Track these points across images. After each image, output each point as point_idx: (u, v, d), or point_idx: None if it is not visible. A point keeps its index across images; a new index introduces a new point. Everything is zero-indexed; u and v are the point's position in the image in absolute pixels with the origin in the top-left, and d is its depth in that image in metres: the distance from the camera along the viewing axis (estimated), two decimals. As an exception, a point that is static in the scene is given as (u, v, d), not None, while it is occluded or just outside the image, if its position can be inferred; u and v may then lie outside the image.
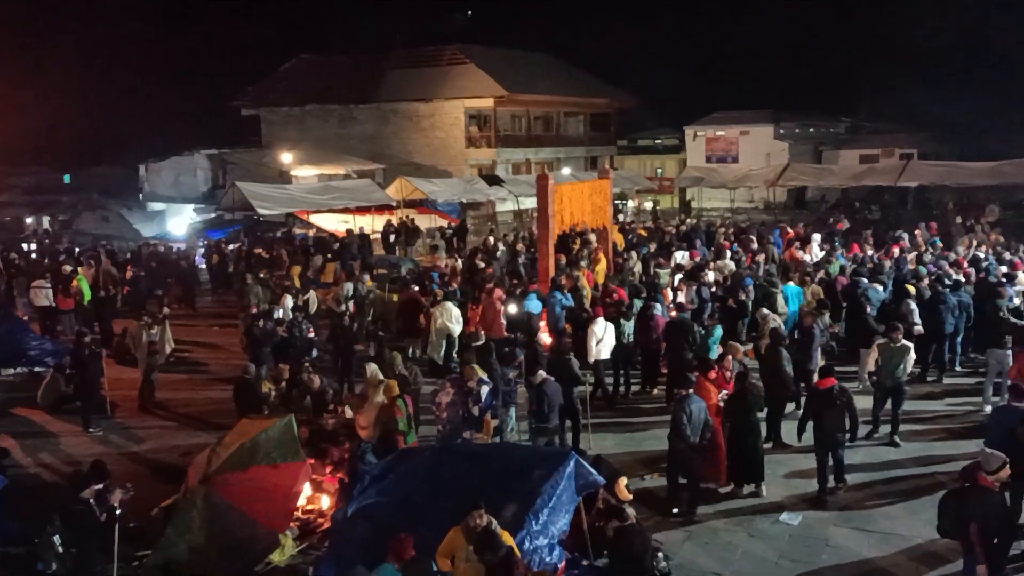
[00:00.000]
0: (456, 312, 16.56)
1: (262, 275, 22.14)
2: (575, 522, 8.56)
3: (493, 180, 40.45)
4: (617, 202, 40.20)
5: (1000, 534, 7.96)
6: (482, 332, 14.55)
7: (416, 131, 49.10)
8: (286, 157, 42.20)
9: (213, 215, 37.25)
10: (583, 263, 21.17)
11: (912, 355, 12.89)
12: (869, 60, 75.04)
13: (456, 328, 16.29)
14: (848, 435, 11.34)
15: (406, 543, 7.33)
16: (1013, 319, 14.77)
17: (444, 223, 35.76)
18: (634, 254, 23.65)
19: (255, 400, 12.61)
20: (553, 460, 8.52)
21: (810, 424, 11.20)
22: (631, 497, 9.25)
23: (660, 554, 8.98)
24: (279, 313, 17.19)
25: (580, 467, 8.49)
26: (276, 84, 52.54)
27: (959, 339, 16.19)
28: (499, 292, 17.29)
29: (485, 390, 11.70)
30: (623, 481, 9.23)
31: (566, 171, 44.10)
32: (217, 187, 42.77)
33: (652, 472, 11.82)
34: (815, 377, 12.18)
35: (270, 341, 15.60)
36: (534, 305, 16.76)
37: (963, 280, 17.67)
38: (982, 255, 21.80)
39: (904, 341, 12.85)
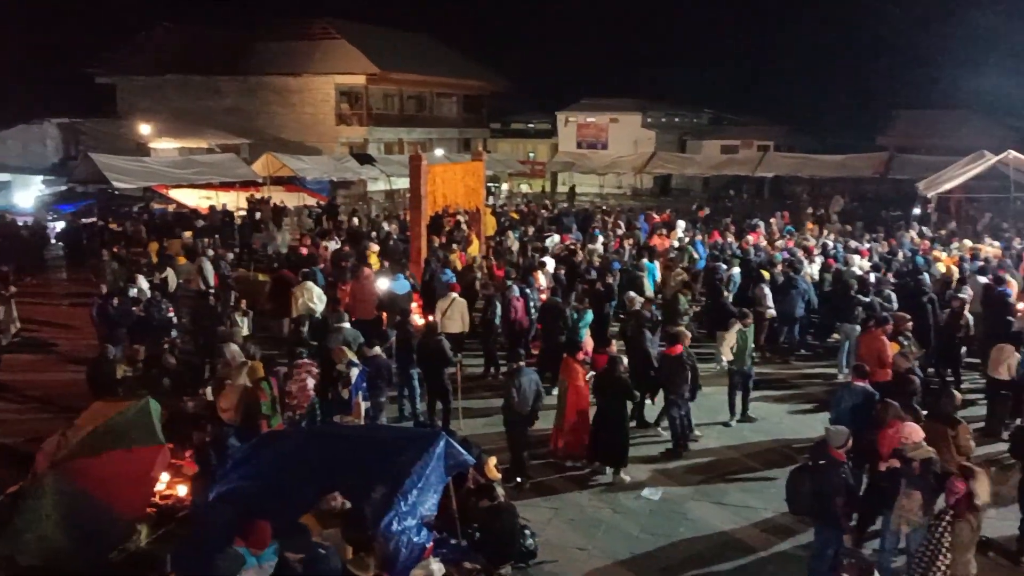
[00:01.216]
0: (318, 291, 16.24)
1: (117, 251, 21.08)
2: (444, 502, 8.59)
3: (364, 159, 39.85)
4: (490, 185, 40.39)
5: (854, 505, 8.51)
6: (346, 313, 14.38)
7: (284, 106, 47.70)
8: (144, 128, 40.17)
9: (64, 188, 35.10)
10: (455, 245, 21.19)
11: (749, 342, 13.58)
12: (731, 54, 78.11)
13: (319, 307, 15.98)
14: (691, 395, 12.26)
15: (261, 530, 7.20)
16: (860, 297, 15.77)
17: (313, 202, 34.97)
18: (511, 235, 23.88)
19: (110, 382, 12.03)
20: (423, 441, 8.50)
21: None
22: (500, 476, 9.37)
23: (527, 531, 9.14)
24: (135, 291, 16.42)
25: (450, 447, 8.50)
26: (134, 52, 49.87)
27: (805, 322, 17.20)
28: (369, 272, 17.09)
29: (355, 372, 11.56)
30: (492, 461, 9.33)
31: (439, 152, 43.92)
32: (69, 158, 40.30)
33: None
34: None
35: (126, 321, 14.89)
36: (402, 286, 16.62)
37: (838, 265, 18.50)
38: (831, 243, 23.10)
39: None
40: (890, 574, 8.56)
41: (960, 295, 15.19)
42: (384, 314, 15.87)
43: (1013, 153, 29.33)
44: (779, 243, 22.65)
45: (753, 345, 13.56)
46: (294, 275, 17.53)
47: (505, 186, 52.59)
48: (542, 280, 17.61)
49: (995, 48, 61.73)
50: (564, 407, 11.80)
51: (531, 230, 26.51)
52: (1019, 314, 14.69)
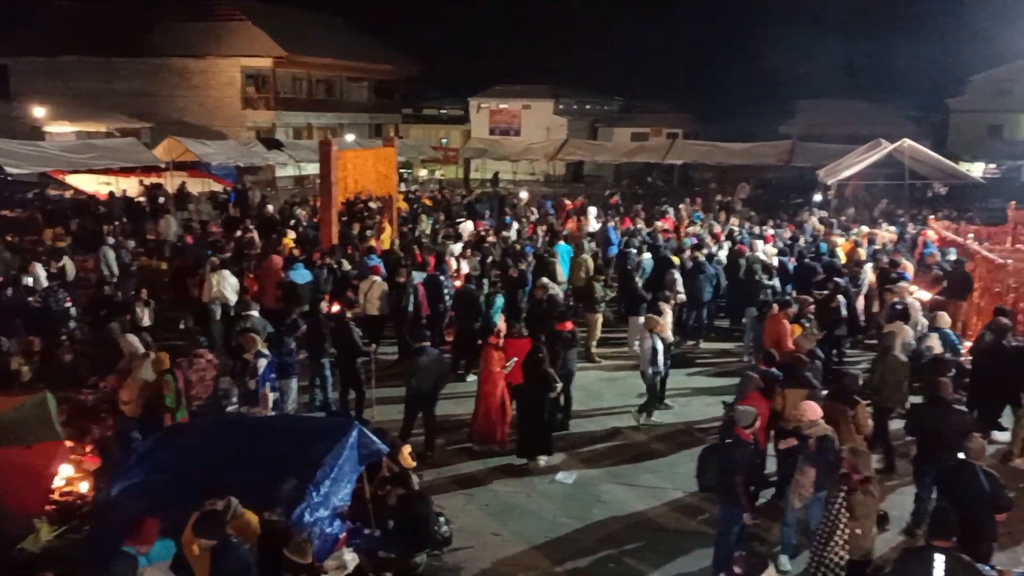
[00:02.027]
0: (234, 280, 15.85)
1: (9, 239, 20.12)
2: (358, 492, 8.49)
3: (272, 144, 39.01)
4: (402, 171, 40.04)
5: (757, 483, 8.76)
6: (254, 302, 14.07)
7: (188, 89, 46.26)
8: (39, 111, 38.37)
9: (-50, 172, 33.25)
10: (368, 232, 20.94)
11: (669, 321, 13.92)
12: (641, 42, 79.19)
13: (232, 297, 15.60)
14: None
15: (145, 527, 7.01)
16: (766, 281, 16.23)
17: (219, 187, 34.05)
18: (424, 218, 23.75)
19: (4, 375, 11.48)
20: (335, 431, 8.37)
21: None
22: (415, 464, 9.31)
23: (441, 519, 9.11)
24: (30, 281, 15.70)
25: (363, 436, 8.40)
26: (28, 30, 47.54)
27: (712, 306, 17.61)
28: (277, 260, 16.74)
29: (263, 363, 11.29)
30: (407, 449, 9.25)
31: (350, 138, 43.29)
32: (-45, 142, 38.19)
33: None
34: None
35: (21, 311, 14.22)
36: (301, 275, 16.28)
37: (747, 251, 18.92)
38: (736, 229, 23.70)
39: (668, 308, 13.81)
40: (792, 549, 8.85)
41: (837, 280, 15.64)
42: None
43: (908, 142, 30.62)
44: (691, 229, 23.12)
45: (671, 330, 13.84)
46: (196, 263, 17.03)
47: (423, 172, 52.27)
48: (458, 266, 17.56)
49: (891, 40, 64.29)
50: (479, 394, 11.82)
51: (442, 216, 26.43)
52: (910, 295, 15.36)
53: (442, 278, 16.14)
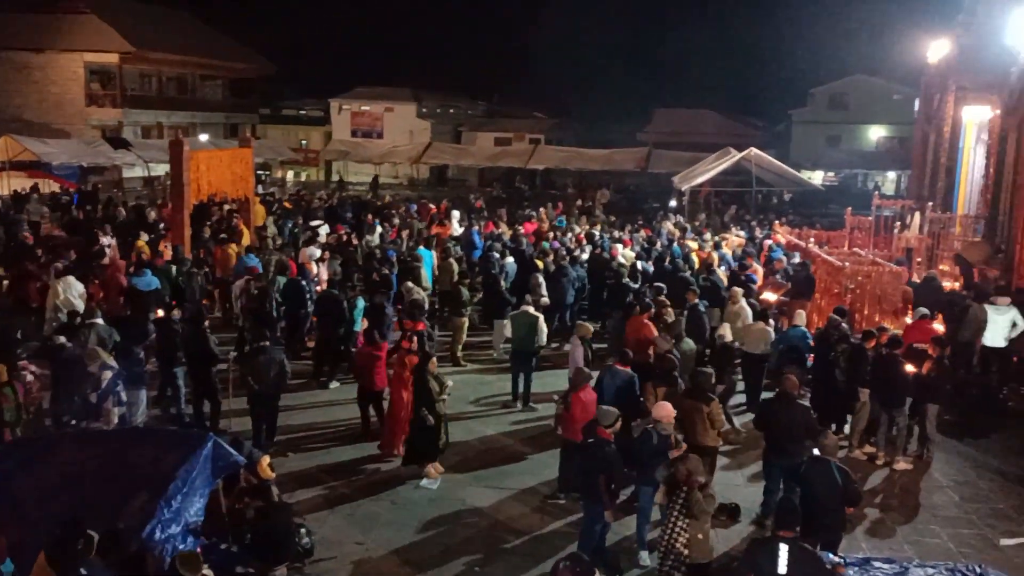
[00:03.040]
0: (80, 287, 14.93)
1: None
2: (213, 506, 8.14)
3: (119, 143, 37.09)
4: (260, 172, 38.88)
5: (618, 481, 8.94)
6: (98, 310, 13.28)
7: (26, 84, 43.32)
8: None
9: None
10: (222, 236, 20.17)
11: (543, 324, 14.00)
12: (504, 47, 79.98)
13: (79, 304, 14.67)
14: None
15: None
16: (632, 284, 16.67)
17: (61, 188, 32.08)
18: (269, 222, 23.16)
19: None
20: (189, 443, 7.99)
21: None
22: (274, 475, 9.00)
23: (303, 530, 8.86)
24: None
25: (218, 449, 8.06)
26: None
27: (575, 308, 17.92)
28: (122, 265, 15.91)
29: (108, 375, 10.62)
30: (265, 460, 8.94)
31: (204, 138, 41.67)
32: None
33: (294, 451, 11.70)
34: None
35: None
36: (147, 282, 15.52)
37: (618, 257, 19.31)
38: (596, 233, 24.25)
39: (533, 311, 13.92)
40: (645, 544, 9.12)
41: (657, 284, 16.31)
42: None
43: (754, 151, 32.22)
44: (569, 235, 23.47)
45: (537, 332, 13.92)
46: (39, 268, 15.96)
47: (290, 174, 50.98)
48: (318, 270, 17.17)
49: (739, 53, 67.48)
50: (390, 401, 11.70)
51: (300, 220, 25.82)
52: (760, 297, 16.14)
53: (303, 282, 15.74)
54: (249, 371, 11.42)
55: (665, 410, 9.19)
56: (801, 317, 13.78)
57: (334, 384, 14.19)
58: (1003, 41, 18.49)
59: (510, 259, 18.85)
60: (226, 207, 23.84)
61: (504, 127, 58.17)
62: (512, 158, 44.42)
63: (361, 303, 14.83)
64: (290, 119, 62.91)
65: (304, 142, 58.06)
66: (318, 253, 18.40)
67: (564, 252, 19.09)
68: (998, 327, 13.68)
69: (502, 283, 17.13)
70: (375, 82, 59.09)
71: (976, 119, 23.14)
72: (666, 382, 10.56)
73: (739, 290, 15.38)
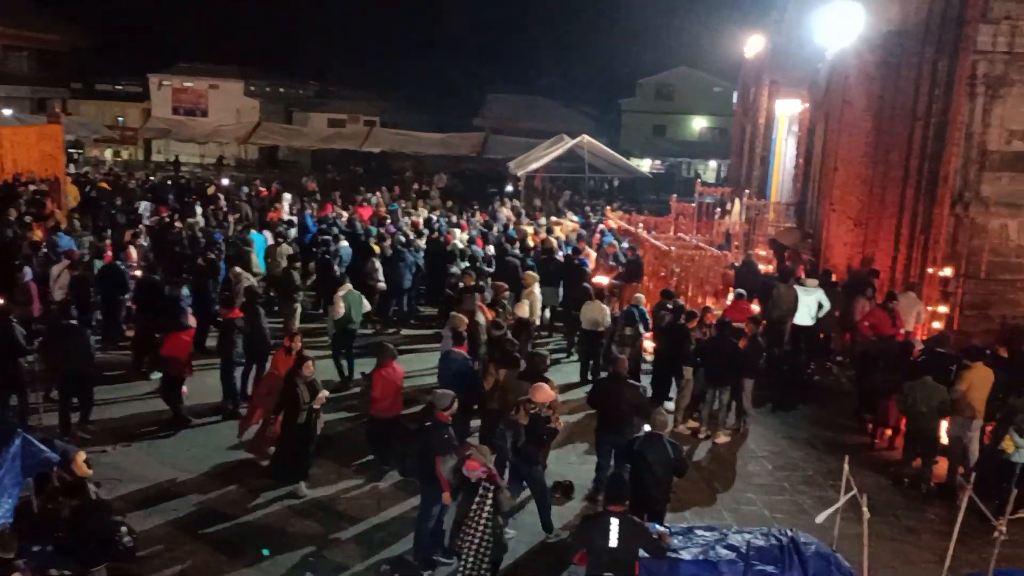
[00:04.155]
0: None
1: None
2: (24, 506, 7.57)
3: (-93, 116, 33.57)
4: (72, 151, 36.29)
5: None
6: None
7: None
8: None
9: None
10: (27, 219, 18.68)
11: (365, 302, 14.02)
12: (337, 27, 78.15)
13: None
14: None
15: None
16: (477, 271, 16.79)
17: None
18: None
19: None
20: (-7, 441, 7.39)
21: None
22: (91, 472, 8.44)
23: (123, 529, 8.35)
24: None
25: (29, 446, 7.50)
26: None
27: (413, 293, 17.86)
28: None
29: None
30: (81, 456, 8.37)
31: (7, 112, 38.34)
32: None
33: (113, 444, 11.04)
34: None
35: None
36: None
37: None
38: (434, 217, 24.21)
39: (353, 289, 13.87)
40: (550, 527, 9.35)
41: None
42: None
43: (587, 138, 33.08)
44: (405, 219, 23.25)
45: (363, 311, 13.96)
46: None
47: (108, 153, 47.73)
48: (134, 255, 16.20)
49: (573, 41, 69.01)
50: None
51: (119, 200, 24.34)
52: (593, 280, 16.62)
53: (122, 266, 14.84)
54: (54, 352, 10.86)
55: (544, 393, 9.33)
56: (641, 298, 14.36)
57: (156, 374, 13.47)
58: (812, 39, 19.82)
59: (344, 243, 18.52)
60: (32, 187, 22.09)
61: (338, 108, 56.92)
62: (347, 140, 43.51)
63: (186, 292, 14.14)
64: (105, 94, 58.87)
65: (121, 119, 54.59)
66: (140, 237, 17.39)
67: (401, 237, 18.95)
68: (806, 307, 14.71)
69: (336, 268, 16.79)
70: (199, 58, 56.34)
71: (788, 112, 24.71)
72: (507, 364, 10.67)
73: (534, 275, 15.65)
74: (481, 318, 12.72)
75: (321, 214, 23.92)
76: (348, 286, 13.96)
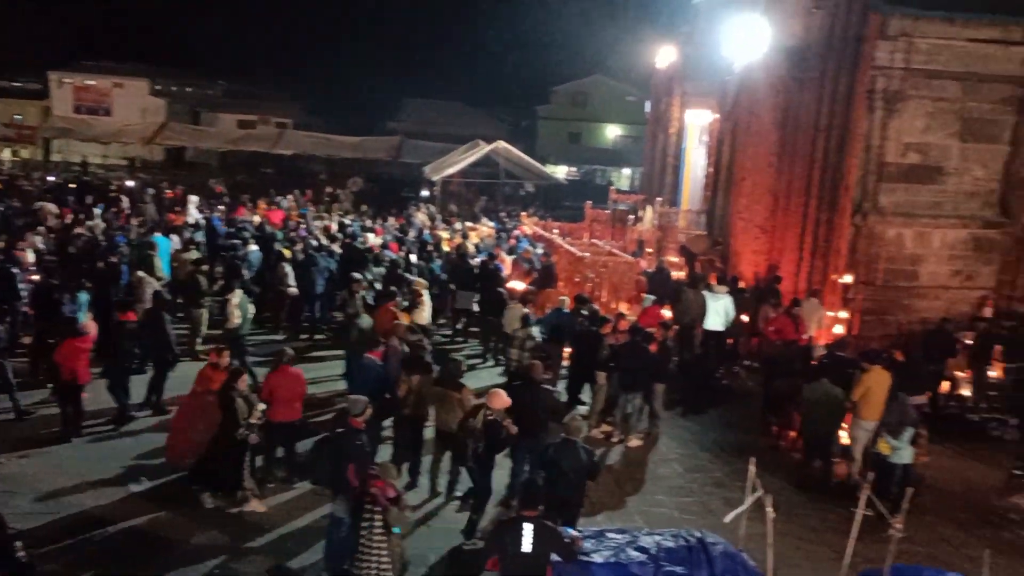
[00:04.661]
0: None
1: None
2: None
3: None
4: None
5: (367, 469, 8.83)
6: None
7: None
8: None
9: None
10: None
11: (251, 307, 13.89)
12: (250, 25, 76.50)
13: None
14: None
15: None
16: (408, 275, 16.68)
17: None
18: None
19: None
20: None
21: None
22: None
23: (17, 543, 7.88)
24: None
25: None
26: None
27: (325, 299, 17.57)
28: None
29: None
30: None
31: None
32: None
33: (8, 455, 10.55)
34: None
35: None
36: None
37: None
38: (348, 221, 23.90)
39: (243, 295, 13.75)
40: None
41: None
42: None
43: (502, 144, 33.24)
44: (328, 223, 22.89)
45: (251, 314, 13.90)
46: None
47: (8, 152, 45.60)
48: (29, 259, 15.51)
49: (489, 49, 69.22)
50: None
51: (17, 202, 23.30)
52: (507, 286, 16.67)
53: (15, 271, 14.16)
54: None
55: (501, 399, 9.37)
56: (564, 301, 14.48)
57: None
58: (720, 52, 20.33)
59: (254, 247, 18.10)
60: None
61: (248, 109, 55.66)
62: (257, 142, 42.63)
63: (83, 297, 13.59)
64: (2, 92, 56.31)
65: (19, 117, 52.28)
66: (39, 241, 16.65)
67: (313, 241, 18.65)
68: (715, 312, 15.05)
69: (245, 273, 16.40)
70: (103, 55, 54.41)
71: (698, 122, 25.27)
72: (419, 369, 10.59)
73: (423, 282, 15.57)
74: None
75: (231, 217, 23.35)
76: (240, 292, 13.64)
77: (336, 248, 18.96)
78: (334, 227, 22.24)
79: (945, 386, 14.24)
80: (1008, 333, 14.19)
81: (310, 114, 55.70)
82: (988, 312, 15.22)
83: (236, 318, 13.22)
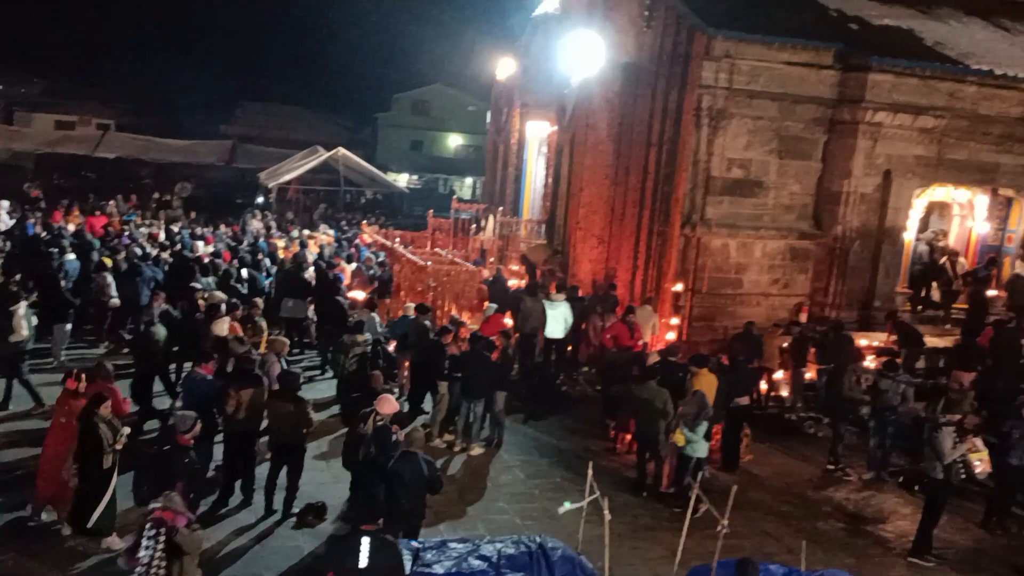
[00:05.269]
0: None
1: None
2: None
3: None
4: None
5: (196, 488, 8.43)
6: None
7: None
8: None
9: None
10: None
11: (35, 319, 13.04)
12: (67, 20, 71.73)
13: None
14: None
15: None
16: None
17: None
18: None
19: None
20: None
21: None
22: None
23: None
24: None
25: None
26: None
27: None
28: None
29: None
30: None
31: None
32: None
33: None
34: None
35: None
36: None
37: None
38: (176, 229, 22.83)
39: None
40: None
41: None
42: None
43: (342, 151, 32.73)
44: (154, 230, 21.67)
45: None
46: None
47: None
48: None
49: (329, 51, 67.94)
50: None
51: None
52: (348, 295, 16.40)
53: None
54: None
55: (390, 404, 9.47)
56: (410, 308, 14.36)
57: None
58: (558, 66, 20.82)
59: (72, 256, 16.95)
60: None
61: (67, 109, 52.10)
62: (77, 144, 40.09)
63: None
64: None
65: None
66: None
67: (137, 249, 17.68)
68: (554, 320, 15.34)
69: (63, 283, 15.34)
70: None
71: (538, 133, 25.76)
72: (248, 383, 10.20)
73: (161, 294, 14.82)
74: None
75: (47, 223, 21.80)
76: (24, 303, 12.64)
77: (167, 256, 18.10)
78: (161, 235, 21.17)
79: (763, 387, 15.11)
80: (820, 337, 15.21)
81: (138, 115, 52.78)
82: (803, 317, 16.25)
83: (24, 330, 12.28)
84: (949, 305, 17.49)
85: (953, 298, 17.51)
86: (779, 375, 15.28)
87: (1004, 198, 18.24)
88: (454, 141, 58.36)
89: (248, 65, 63.55)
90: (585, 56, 19.20)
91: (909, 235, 17.38)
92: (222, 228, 23.96)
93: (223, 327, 12.94)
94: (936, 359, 15.48)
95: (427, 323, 14.09)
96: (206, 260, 17.93)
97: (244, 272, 17.87)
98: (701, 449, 11.11)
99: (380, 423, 9.37)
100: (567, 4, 22.06)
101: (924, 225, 18.65)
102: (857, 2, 18.08)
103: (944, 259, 17.71)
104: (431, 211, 27.94)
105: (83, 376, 9.68)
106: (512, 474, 11.96)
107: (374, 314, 14.58)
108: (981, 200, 18.39)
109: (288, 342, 11.45)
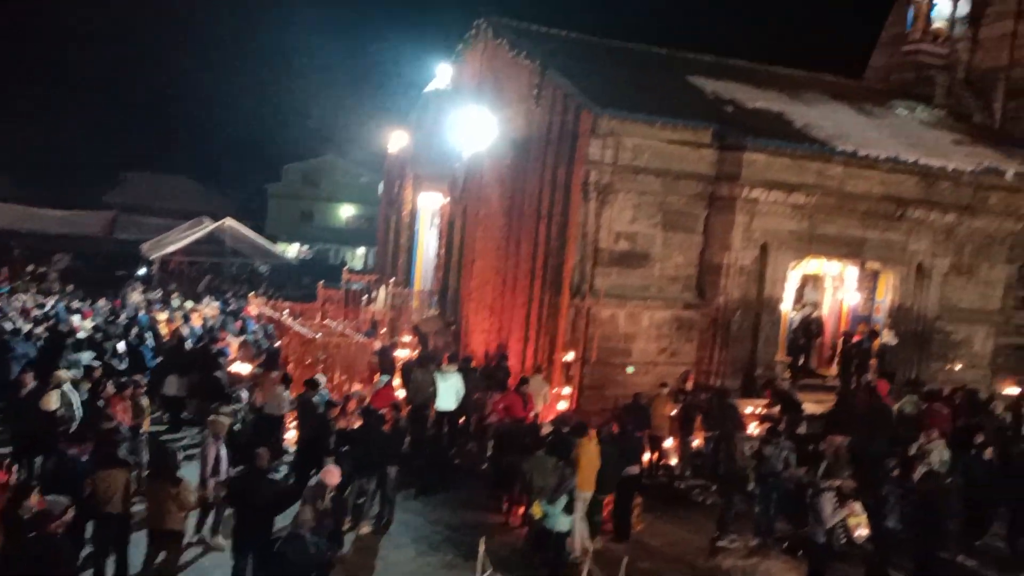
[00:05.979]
0: None
1: None
2: None
3: None
4: None
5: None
6: None
7: None
8: None
9: None
10: None
11: None
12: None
13: None
14: None
15: None
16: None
17: None
18: None
19: None
20: None
21: None
22: None
23: None
24: None
25: None
26: None
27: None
28: None
29: None
30: None
31: None
32: None
33: None
34: None
35: None
36: None
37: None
38: (50, 303, 21.80)
39: None
40: None
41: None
42: None
43: (229, 221, 32.13)
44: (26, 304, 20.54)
45: None
46: None
47: None
48: None
49: (215, 124, 66.99)
50: None
51: None
52: (231, 370, 15.91)
53: None
54: None
55: (333, 476, 9.74)
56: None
57: None
58: (449, 140, 21.11)
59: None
60: None
61: (-65, 176, 49.60)
62: (-56, 213, 38.09)
63: None
64: None
65: None
66: None
67: (8, 324, 16.76)
68: (445, 392, 15.23)
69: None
70: None
71: (430, 205, 25.92)
72: (114, 464, 9.70)
73: (59, 373, 14.31)
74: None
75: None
76: None
77: (41, 331, 17.22)
78: (34, 309, 20.16)
79: (653, 456, 15.28)
80: (706, 404, 15.57)
81: (10, 184, 50.45)
82: (690, 385, 16.64)
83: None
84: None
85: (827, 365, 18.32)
86: (668, 443, 15.52)
87: (871, 271, 19.33)
88: (346, 212, 58.12)
89: (134, 133, 62.03)
90: (476, 131, 19.55)
91: (786, 306, 18.14)
92: (101, 302, 22.98)
93: (51, 402, 12.11)
94: (816, 424, 16.04)
95: (315, 398, 13.76)
96: (80, 334, 17.14)
97: (121, 346, 17.14)
98: (562, 523, 10.86)
99: (332, 495, 9.64)
100: (458, 80, 22.51)
101: (800, 296, 19.55)
102: (732, 86, 19.16)
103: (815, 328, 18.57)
104: (321, 282, 27.57)
105: (14, 469, 9.42)
106: (403, 552, 11.66)
107: (283, 390, 14.11)
108: (851, 272, 19.45)
109: (227, 423, 11.00)
